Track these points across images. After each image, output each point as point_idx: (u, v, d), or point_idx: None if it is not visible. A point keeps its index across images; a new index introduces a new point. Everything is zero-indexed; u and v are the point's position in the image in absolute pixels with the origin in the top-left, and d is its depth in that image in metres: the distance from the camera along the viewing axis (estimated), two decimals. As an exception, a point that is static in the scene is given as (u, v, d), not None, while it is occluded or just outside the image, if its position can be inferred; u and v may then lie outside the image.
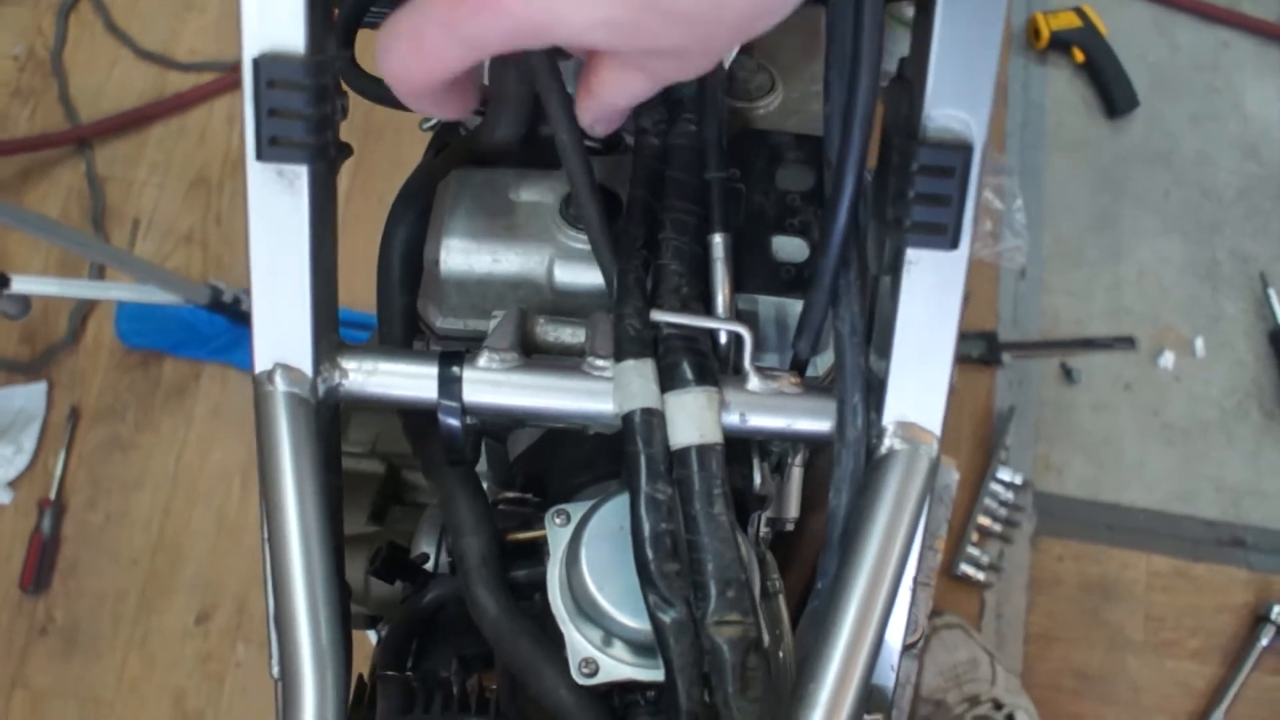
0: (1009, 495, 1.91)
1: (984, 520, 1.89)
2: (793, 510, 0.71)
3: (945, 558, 1.84)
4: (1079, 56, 2.23)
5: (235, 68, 2.09)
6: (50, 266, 2.01)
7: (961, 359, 2.00)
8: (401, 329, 0.67)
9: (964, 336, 2.00)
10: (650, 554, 0.54)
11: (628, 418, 0.56)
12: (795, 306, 0.62)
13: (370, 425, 0.98)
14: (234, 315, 1.90)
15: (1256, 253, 2.13)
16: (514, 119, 0.66)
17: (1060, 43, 2.24)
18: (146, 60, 2.20)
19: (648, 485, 0.54)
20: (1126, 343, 2.05)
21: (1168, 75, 2.28)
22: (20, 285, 1.74)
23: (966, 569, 1.86)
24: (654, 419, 0.55)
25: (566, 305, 0.65)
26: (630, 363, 0.56)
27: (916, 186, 0.52)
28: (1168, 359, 2.05)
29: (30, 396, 1.94)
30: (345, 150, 0.57)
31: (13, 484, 1.88)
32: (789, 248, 0.63)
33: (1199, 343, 2.06)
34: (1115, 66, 2.22)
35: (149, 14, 2.25)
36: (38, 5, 2.26)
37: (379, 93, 0.71)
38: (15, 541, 1.85)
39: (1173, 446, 2.01)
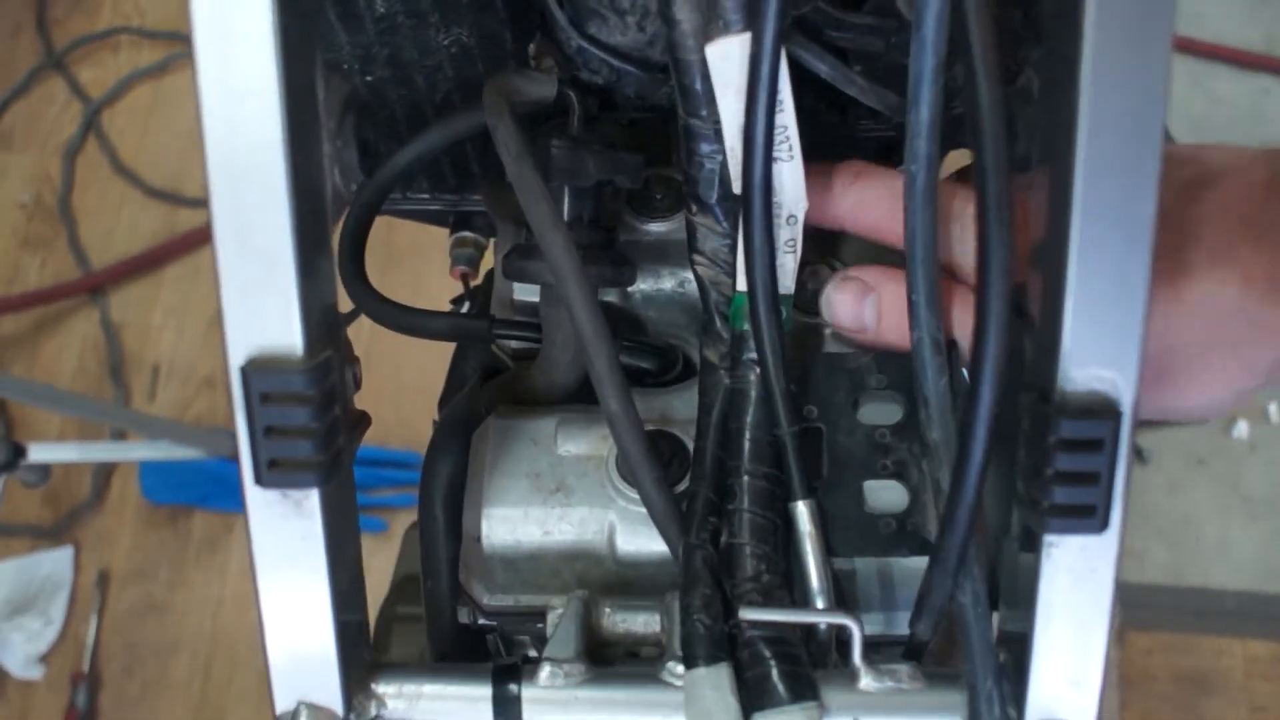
0: (1089, 591, 1.80)
1: (1065, 622, 1.78)
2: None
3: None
4: (1116, 115, 2.15)
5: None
6: (68, 427, 1.96)
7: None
8: (452, 597, 0.58)
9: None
10: None
11: None
12: (900, 562, 0.53)
13: None
14: (261, 464, 1.82)
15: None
16: (573, 364, 0.58)
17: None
18: (156, 199, 2.16)
19: None
20: (1197, 416, 1.94)
21: (1207, 129, 2.18)
22: (38, 454, 1.69)
23: (1052, 675, 1.74)
24: None
25: (633, 577, 0.55)
26: (702, 671, 0.47)
27: (1056, 464, 0.42)
28: (1241, 429, 1.94)
29: (56, 563, 1.87)
30: (360, 430, 0.49)
31: (43, 658, 1.81)
32: (885, 495, 0.54)
33: (1272, 408, 1.95)
34: (1155, 123, 2.13)
35: (156, 151, 2.22)
36: (44, 149, 2.23)
37: (391, 318, 0.62)
38: None
39: (1256, 521, 1.89)
